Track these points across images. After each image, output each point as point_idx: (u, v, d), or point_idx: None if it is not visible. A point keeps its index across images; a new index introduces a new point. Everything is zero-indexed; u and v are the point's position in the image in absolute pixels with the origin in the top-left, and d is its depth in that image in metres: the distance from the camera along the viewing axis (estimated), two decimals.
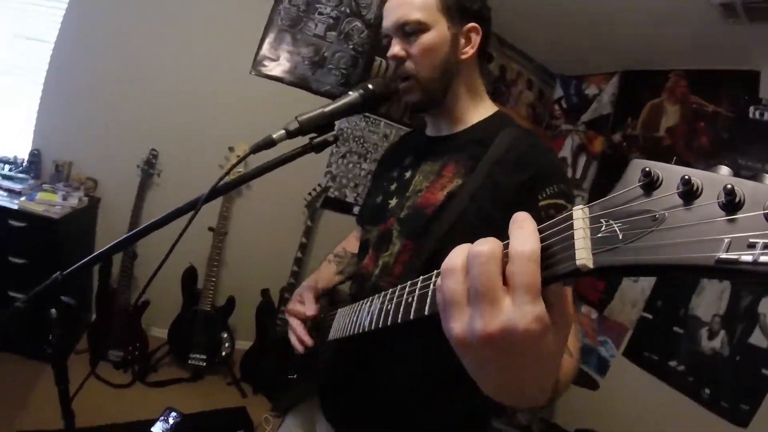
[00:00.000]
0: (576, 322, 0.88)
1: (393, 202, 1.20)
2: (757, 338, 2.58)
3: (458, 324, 0.45)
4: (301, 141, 0.94)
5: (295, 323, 1.25)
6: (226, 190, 0.94)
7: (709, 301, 2.81)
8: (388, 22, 1.12)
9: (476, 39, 1.13)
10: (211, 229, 3.21)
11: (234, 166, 1.04)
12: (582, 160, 3.96)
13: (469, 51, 1.13)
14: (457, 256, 0.46)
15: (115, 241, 0.93)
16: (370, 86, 1.02)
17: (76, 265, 0.91)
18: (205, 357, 3.14)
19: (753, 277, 0.29)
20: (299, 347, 1.22)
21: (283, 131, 0.91)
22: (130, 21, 3.04)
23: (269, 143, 0.90)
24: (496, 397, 0.51)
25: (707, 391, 2.71)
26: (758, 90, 2.84)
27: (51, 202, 2.63)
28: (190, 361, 3.12)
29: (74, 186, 2.95)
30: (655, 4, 2.68)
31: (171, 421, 2.57)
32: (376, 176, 1.45)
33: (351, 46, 3.55)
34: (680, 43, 3.02)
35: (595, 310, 3.52)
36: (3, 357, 2.61)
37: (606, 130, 3.79)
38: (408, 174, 1.21)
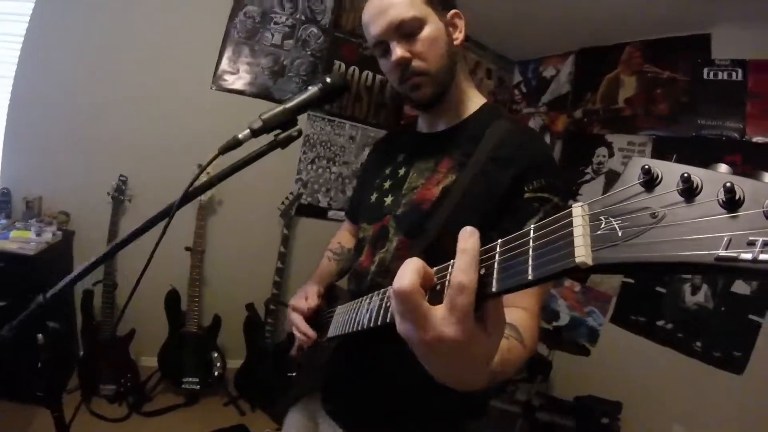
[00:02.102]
0: (537, 319, 0.96)
1: (389, 199, 1.20)
2: (739, 286, 2.68)
3: (403, 329, 0.54)
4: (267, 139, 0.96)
5: (296, 318, 1.26)
6: (197, 193, 0.95)
7: None
8: (378, 28, 1.10)
9: (461, 23, 1.15)
10: (188, 248, 3.17)
11: (203, 169, 1.02)
12: (547, 140, 4.04)
13: (460, 36, 1.15)
14: (393, 284, 0.52)
15: (93, 259, 0.93)
16: (327, 79, 1.03)
17: (58, 286, 0.92)
18: (198, 380, 3.09)
19: (752, 274, 0.29)
20: (304, 340, 1.23)
21: (248, 130, 0.92)
22: (87, 49, 2.98)
23: (235, 144, 0.91)
24: (441, 382, 0.58)
25: (698, 344, 2.80)
26: (710, 51, 2.96)
27: (25, 239, 2.57)
28: (183, 386, 3.07)
29: (47, 221, 2.87)
30: None
31: None
32: (366, 174, 1.45)
33: (309, 53, 3.56)
34: (632, 16, 3.13)
35: (577, 283, 3.60)
36: None
37: (566, 108, 3.89)
38: (402, 171, 1.22)
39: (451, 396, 0.70)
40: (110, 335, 2.93)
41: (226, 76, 3.35)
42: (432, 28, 1.09)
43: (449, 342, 0.49)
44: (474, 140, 1.08)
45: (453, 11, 1.14)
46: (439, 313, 0.50)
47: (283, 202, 3.49)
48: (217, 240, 3.46)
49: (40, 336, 0.94)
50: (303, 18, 3.49)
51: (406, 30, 1.08)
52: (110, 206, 2.99)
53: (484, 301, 0.50)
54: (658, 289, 3.04)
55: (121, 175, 3.04)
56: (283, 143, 0.96)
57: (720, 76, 2.93)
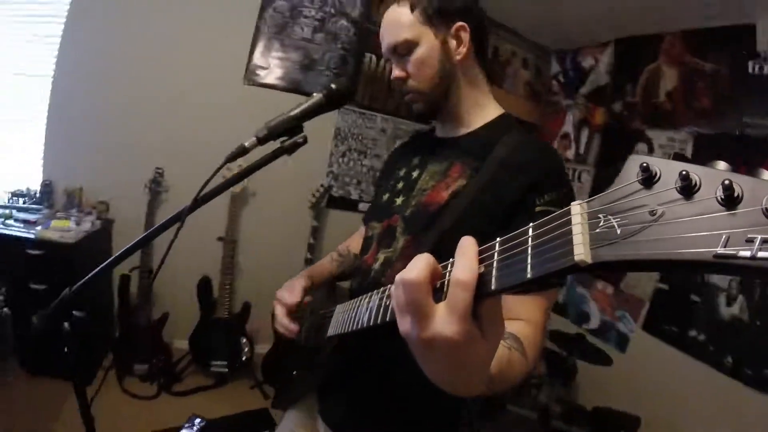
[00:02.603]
0: (540, 331, 0.96)
1: (399, 200, 1.22)
2: None
3: (403, 326, 0.54)
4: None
5: (279, 311, 1.30)
6: (207, 199, 1.00)
7: None
8: (383, 47, 1.17)
9: (466, 36, 1.13)
10: (220, 238, 3.30)
11: (210, 179, 1.04)
12: (585, 134, 3.89)
13: (462, 50, 1.13)
14: (402, 273, 0.53)
15: (113, 257, 1.00)
16: (333, 86, 1.05)
17: (81, 281, 0.99)
18: (226, 363, 3.24)
19: (751, 272, 0.29)
20: (287, 334, 1.27)
21: (254, 138, 0.96)
22: (123, 46, 3.13)
23: (242, 151, 0.96)
24: (437, 385, 0.58)
25: (729, 359, 2.63)
26: (756, 43, 2.74)
27: (65, 228, 2.75)
28: (212, 369, 3.23)
29: (86, 211, 3.06)
30: None
31: (196, 426, 2.66)
32: (384, 175, 1.47)
33: (339, 46, 3.57)
34: (672, 4, 2.94)
35: (611, 285, 3.48)
36: (34, 381, 2.75)
37: (606, 100, 3.72)
38: (415, 173, 1.23)
39: (446, 400, 0.73)
40: (145, 318, 3.12)
41: (258, 71, 3.42)
42: (423, 49, 1.11)
43: (447, 341, 0.49)
44: (486, 149, 1.09)
45: (457, 25, 1.12)
46: (438, 311, 0.50)
47: (314, 194, 3.55)
48: (249, 230, 3.57)
49: (65, 324, 0.99)
50: (332, 11, 3.51)
51: (400, 51, 1.13)
52: (147, 197, 3.16)
53: (483, 301, 0.50)
54: (693, 297, 2.88)
55: (157, 168, 3.20)
56: (289, 150, 1.00)
57: (766, 70, 2.71)
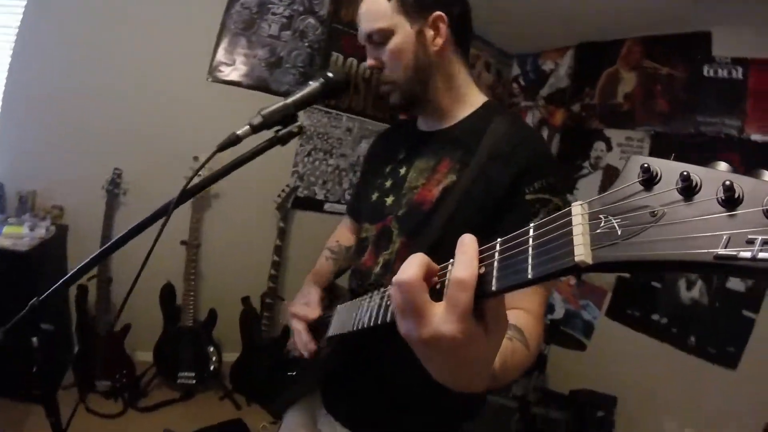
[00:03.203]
0: (541, 321, 0.97)
1: (389, 199, 1.20)
2: (734, 283, 2.71)
3: (403, 327, 0.53)
4: (267, 135, 0.95)
5: (300, 327, 1.25)
6: (196, 191, 0.94)
7: None
8: (359, 34, 1.16)
9: (443, 27, 1.12)
10: (183, 242, 3.15)
11: (201, 167, 1.00)
12: (544, 134, 4.04)
13: (439, 41, 1.12)
14: (397, 274, 0.53)
15: (87, 259, 0.91)
16: (329, 74, 1.03)
17: (50, 290, 0.90)
18: (194, 374, 3.09)
19: (751, 273, 0.29)
20: (304, 353, 1.22)
21: (248, 126, 0.91)
22: (81, 41, 2.92)
23: (234, 140, 0.91)
24: (441, 382, 0.58)
25: (692, 339, 2.83)
26: (711, 49, 2.95)
27: (18, 235, 2.53)
28: (179, 380, 3.06)
29: (40, 216, 2.84)
30: None
31: None
32: (368, 170, 1.45)
33: (306, 44, 3.51)
34: (633, 12, 3.10)
35: (573, 277, 3.61)
36: None
37: (565, 102, 3.88)
38: (402, 170, 1.21)
39: (449, 396, 0.71)
40: (106, 330, 2.91)
41: (222, 68, 3.30)
42: (398, 39, 1.10)
43: (448, 340, 0.49)
44: (472, 140, 1.08)
45: (435, 15, 1.11)
46: (438, 310, 0.50)
47: (279, 195, 3.47)
48: (213, 233, 3.43)
49: (34, 339, 0.93)
50: (301, 9, 3.44)
51: (375, 40, 1.12)
52: (105, 200, 2.97)
53: (484, 301, 0.50)
54: (654, 283, 3.06)
55: (115, 169, 3.01)
56: (284, 140, 0.96)
57: (720, 74, 2.92)
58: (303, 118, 3.58)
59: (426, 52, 1.11)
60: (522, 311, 0.92)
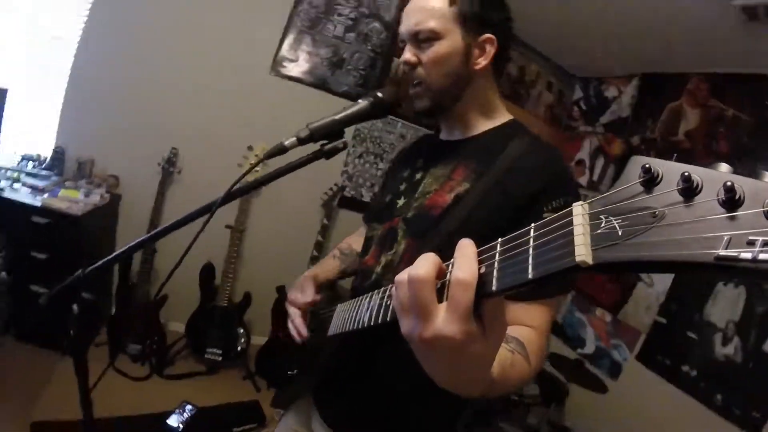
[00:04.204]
0: (544, 338, 0.96)
1: (401, 201, 1.21)
2: None
3: (405, 326, 0.54)
4: (313, 147, 0.97)
5: (294, 313, 1.30)
6: (239, 194, 0.97)
7: (724, 306, 2.78)
8: (404, 27, 1.12)
9: (491, 50, 1.11)
10: (228, 226, 3.27)
11: (247, 172, 1.02)
12: (600, 163, 3.93)
13: (482, 62, 1.11)
14: (409, 270, 0.53)
15: (134, 242, 0.96)
16: (379, 95, 1.03)
17: (97, 263, 0.94)
18: (221, 352, 3.21)
19: (752, 274, 0.29)
20: (297, 338, 1.27)
21: (294, 138, 0.93)
22: (153, 21, 3.10)
23: (281, 150, 0.93)
24: (439, 385, 0.59)
25: (719, 397, 2.68)
26: None
27: (73, 199, 2.70)
28: (206, 356, 3.18)
29: (96, 183, 3.01)
30: (676, 6, 2.63)
31: (186, 413, 2.64)
32: (388, 176, 1.46)
33: (369, 47, 3.56)
34: (701, 47, 2.97)
35: (609, 314, 3.50)
36: (22, 347, 2.70)
37: (624, 132, 3.75)
38: (418, 175, 1.22)
39: (446, 400, 0.73)
40: (143, 298, 3.07)
41: (285, 63, 3.40)
42: (446, 45, 1.08)
43: (448, 341, 0.49)
44: (492, 152, 1.07)
45: (486, 36, 1.10)
46: (440, 310, 0.50)
47: (326, 193, 3.55)
48: (258, 221, 3.55)
49: (74, 306, 0.95)
50: (367, 12, 3.50)
51: (421, 38, 1.09)
52: (159, 176, 3.13)
53: (484, 301, 0.50)
54: (689, 334, 2.92)
55: (173, 148, 3.17)
56: (328, 154, 0.97)
57: None
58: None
59: (467, 67, 1.11)
60: (525, 327, 0.92)
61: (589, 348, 3.59)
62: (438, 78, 1.10)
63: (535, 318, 0.95)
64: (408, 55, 1.11)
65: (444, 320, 0.49)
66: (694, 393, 2.81)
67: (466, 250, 0.50)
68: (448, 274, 0.51)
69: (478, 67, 1.11)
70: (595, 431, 3.13)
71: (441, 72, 1.10)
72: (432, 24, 1.07)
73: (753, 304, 2.64)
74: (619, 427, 3.07)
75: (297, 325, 1.27)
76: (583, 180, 4.03)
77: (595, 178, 3.94)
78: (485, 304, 0.51)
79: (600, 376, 3.19)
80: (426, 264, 0.51)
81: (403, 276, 0.53)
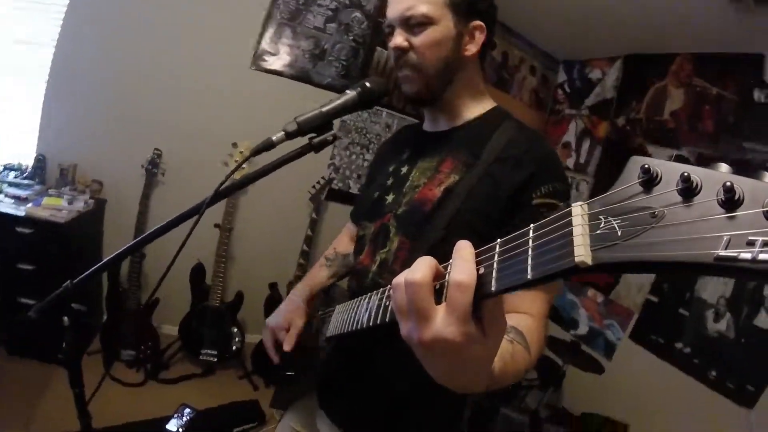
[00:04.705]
0: (543, 325, 0.96)
1: (390, 197, 1.20)
2: (762, 320, 2.61)
3: (404, 328, 0.54)
4: (301, 141, 0.95)
5: (268, 341, 1.32)
6: (227, 193, 0.96)
7: (715, 283, 2.83)
8: (393, 12, 1.11)
9: (480, 37, 1.12)
10: (216, 225, 3.23)
11: (234, 170, 1.03)
12: (586, 144, 3.95)
13: (472, 48, 1.12)
14: (405, 274, 0.53)
15: (122, 249, 0.94)
16: (367, 84, 1.01)
17: (85, 274, 0.92)
18: (216, 352, 3.18)
19: (752, 274, 0.29)
20: (273, 358, 1.29)
21: (282, 133, 0.92)
22: (129, 21, 3.02)
23: (269, 145, 0.91)
24: (440, 383, 0.59)
25: (713, 372, 2.74)
26: (763, 73, 2.81)
27: (57, 207, 2.65)
28: (201, 357, 3.16)
29: (80, 189, 2.96)
30: None
31: (185, 416, 2.63)
32: (373, 171, 1.45)
33: (351, 38, 3.52)
34: (685, 27, 2.98)
35: (601, 294, 3.54)
36: (14, 362, 2.65)
37: (610, 114, 3.77)
38: (405, 169, 1.21)
39: (447, 398, 0.72)
40: (135, 303, 3.03)
41: (266, 57, 3.35)
42: (440, 30, 1.08)
43: (448, 343, 0.50)
44: (478, 142, 1.08)
45: (476, 22, 1.11)
46: (439, 312, 0.50)
47: (314, 186, 3.52)
48: (246, 219, 3.51)
49: (65, 318, 0.94)
50: (347, 2, 3.45)
51: (412, 23, 1.08)
52: (143, 178, 3.08)
53: (483, 302, 0.50)
54: (681, 311, 2.96)
55: (155, 149, 3.11)
56: (317, 147, 0.96)
57: None
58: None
59: (458, 53, 1.11)
60: (524, 314, 0.92)
61: (583, 329, 3.64)
62: (432, 61, 1.10)
63: (534, 305, 0.95)
64: (399, 39, 1.10)
65: (443, 322, 0.49)
66: (688, 369, 2.86)
67: (463, 252, 0.50)
68: (447, 275, 0.51)
69: (468, 53, 1.13)
70: (590, 411, 3.17)
71: (434, 57, 1.10)
72: (424, 9, 1.07)
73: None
74: (615, 406, 3.12)
75: (270, 353, 1.30)
76: (570, 162, 4.05)
77: (582, 160, 3.96)
78: (484, 305, 0.51)
79: (596, 356, 3.23)
80: (422, 268, 0.52)
81: (399, 279, 0.53)
